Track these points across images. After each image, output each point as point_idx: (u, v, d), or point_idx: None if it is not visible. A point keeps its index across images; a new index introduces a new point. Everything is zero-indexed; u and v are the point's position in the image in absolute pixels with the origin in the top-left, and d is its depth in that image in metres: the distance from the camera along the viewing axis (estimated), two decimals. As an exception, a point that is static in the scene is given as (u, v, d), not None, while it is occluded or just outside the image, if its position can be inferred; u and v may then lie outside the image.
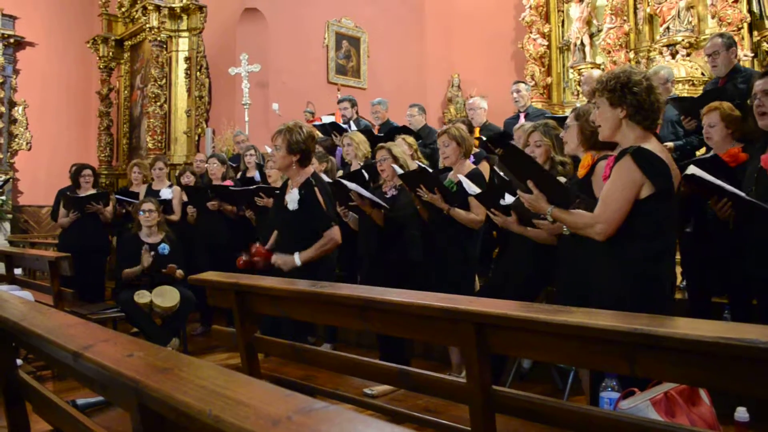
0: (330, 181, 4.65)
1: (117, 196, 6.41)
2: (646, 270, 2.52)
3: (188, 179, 6.44)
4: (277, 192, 4.32)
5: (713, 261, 3.65)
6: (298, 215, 3.76)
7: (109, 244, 6.79)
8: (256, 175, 6.22)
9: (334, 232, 3.78)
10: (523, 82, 6.77)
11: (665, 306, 2.56)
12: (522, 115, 6.34)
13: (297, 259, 3.71)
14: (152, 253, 5.24)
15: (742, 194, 3.01)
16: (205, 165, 6.84)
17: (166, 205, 6.07)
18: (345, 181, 4.41)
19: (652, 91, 2.57)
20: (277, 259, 3.81)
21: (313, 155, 4.00)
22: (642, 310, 1.98)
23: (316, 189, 3.78)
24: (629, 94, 2.55)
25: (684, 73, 8.45)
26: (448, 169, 4.42)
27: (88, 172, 6.45)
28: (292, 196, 3.78)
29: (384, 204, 4.33)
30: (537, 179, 2.71)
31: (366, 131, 6.60)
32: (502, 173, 3.63)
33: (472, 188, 3.83)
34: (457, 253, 4.09)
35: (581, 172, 3.13)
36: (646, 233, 2.50)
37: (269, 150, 6.53)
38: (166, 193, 6.25)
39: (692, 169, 3.10)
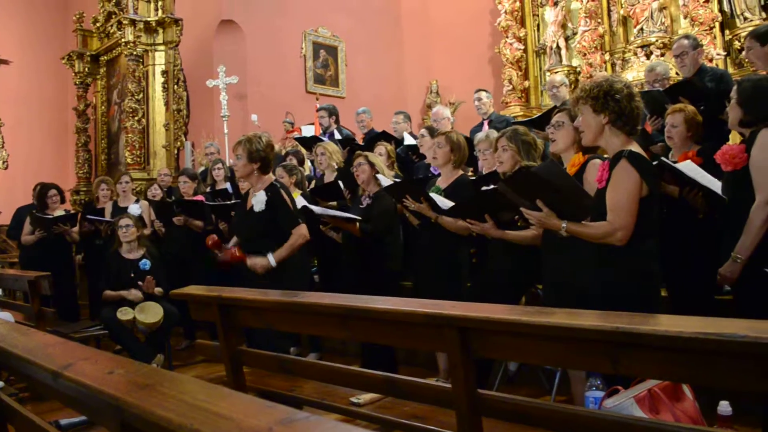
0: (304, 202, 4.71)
1: (88, 216, 6.32)
2: (642, 268, 2.63)
3: (155, 192, 6.41)
4: (236, 202, 4.41)
5: (680, 258, 3.69)
6: (265, 216, 3.91)
7: (73, 262, 6.71)
8: (228, 186, 6.20)
9: (303, 229, 3.96)
10: (484, 91, 6.88)
11: (658, 302, 2.71)
12: (485, 123, 6.44)
13: (271, 259, 3.84)
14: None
15: (707, 184, 3.20)
16: (170, 179, 6.84)
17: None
18: (312, 207, 4.49)
19: (633, 99, 2.67)
20: (253, 263, 3.89)
21: (273, 163, 4.19)
22: (639, 308, 2.03)
23: (281, 190, 3.97)
24: (611, 101, 2.64)
25: (669, 72, 8.55)
26: (430, 176, 4.44)
27: (54, 192, 6.36)
28: (259, 198, 3.93)
29: (355, 217, 4.36)
30: (546, 197, 2.74)
31: (347, 140, 6.61)
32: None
33: (444, 204, 3.85)
34: (447, 260, 4.09)
35: (571, 170, 3.17)
36: (642, 232, 2.59)
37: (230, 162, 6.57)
38: (134, 209, 6.20)
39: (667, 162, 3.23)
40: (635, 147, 2.67)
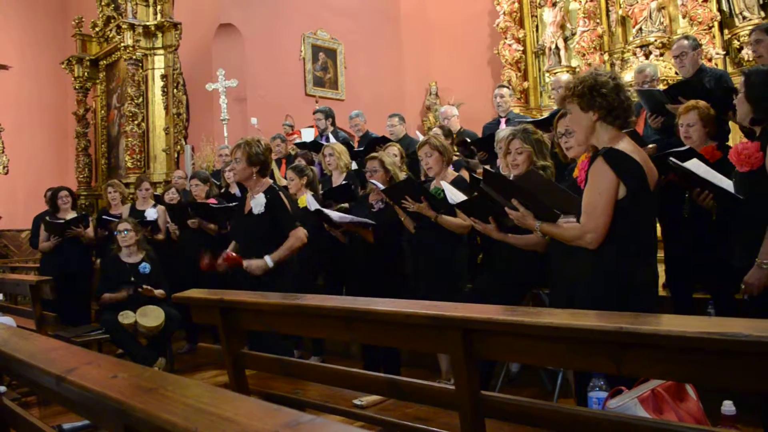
0: (315, 205, 4.70)
1: (104, 218, 6.34)
2: (624, 270, 2.52)
3: (173, 196, 6.41)
4: (236, 204, 4.55)
5: (691, 257, 3.68)
6: (264, 218, 3.94)
7: (92, 265, 6.73)
8: (237, 191, 6.20)
9: (300, 232, 3.98)
10: (506, 87, 6.74)
11: (646, 304, 2.55)
12: (503, 120, 6.32)
13: (268, 260, 3.86)
14: (131, 289, 5.16)
15: (719, 184, 3.07)
16: (184, 182, 6.82)
17: (152, 225, 6.04)
18: (327, 211, 4.45)
19: (621, 90, 2.55)
20: (249, 264, 3.90)
21: (271, 166, 4.25)
22: (622, 310, 2.00)
23: (280, 193, 4.01)
24: (598, 96, 2.53)
25: (658, 73, 8.55)
26: (430, 178, 4.43)
27: (65, 193, 6.41)
28: (258, 201, 3.96)
29: (371, 222, 4.34)
30: (520, 198, 2.74)
31: (344, 143, 6.60)
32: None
33: (454, 197, 3.83)
34: (447, 260, 4.09)
35: (576, 173, 3.16)
36: (623, 233, 2.49)
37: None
38: (151, 214, 6.21)
39: (675, 161, 3.18)
40: (625, 143, 2.55)
